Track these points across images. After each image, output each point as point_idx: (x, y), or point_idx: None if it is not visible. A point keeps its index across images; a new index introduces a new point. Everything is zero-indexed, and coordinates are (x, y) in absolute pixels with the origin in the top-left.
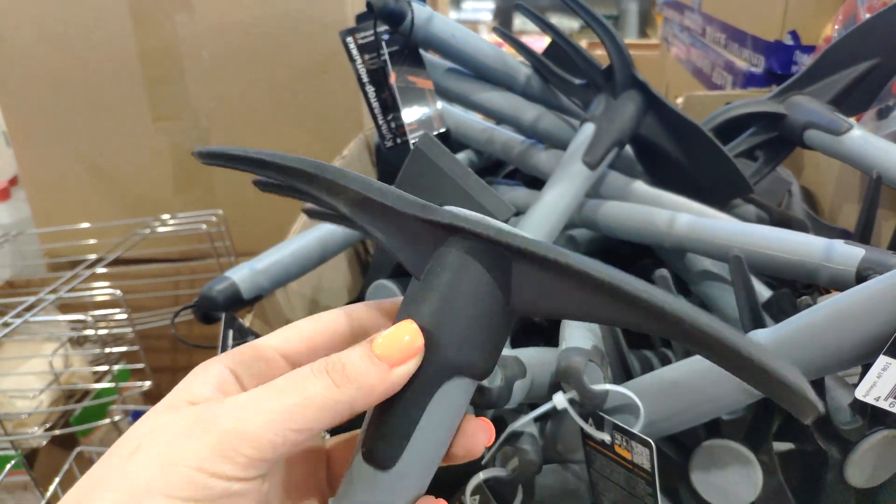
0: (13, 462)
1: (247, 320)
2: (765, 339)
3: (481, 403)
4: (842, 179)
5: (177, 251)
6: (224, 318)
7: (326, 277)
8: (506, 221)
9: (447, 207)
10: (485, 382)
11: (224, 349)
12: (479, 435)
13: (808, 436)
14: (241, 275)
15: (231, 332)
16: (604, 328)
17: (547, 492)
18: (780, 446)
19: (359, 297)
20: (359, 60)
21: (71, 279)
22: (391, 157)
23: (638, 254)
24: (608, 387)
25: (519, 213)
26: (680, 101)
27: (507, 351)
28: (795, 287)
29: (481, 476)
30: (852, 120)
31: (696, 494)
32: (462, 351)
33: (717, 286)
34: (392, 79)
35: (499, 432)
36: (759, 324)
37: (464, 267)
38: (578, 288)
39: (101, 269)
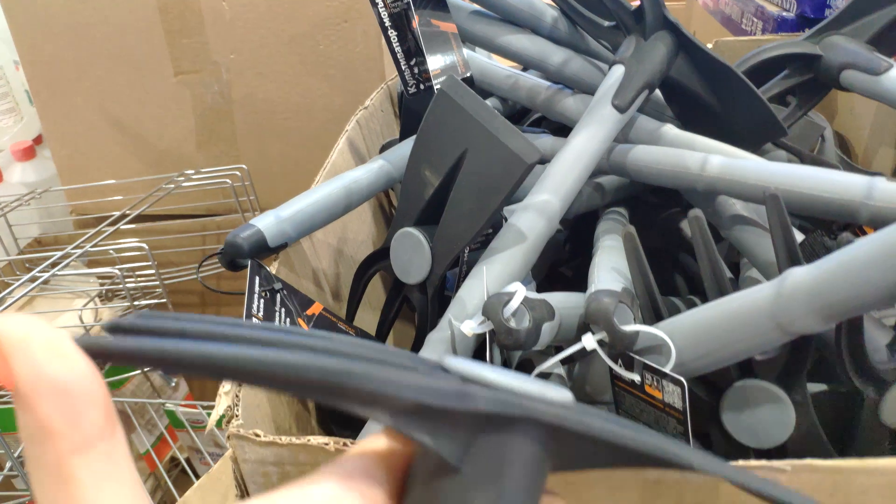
0: None
1: (272, 268)
2: (803, 277)
3: (510, 345)
4: (877, 124)
5: (202, 207)
6: (250, 265)
7: (351, 228)
8: (533, 164)
9: (481, 378)
10: (512, 323)
11: (251, 296)
12: None
13: (843, 377)
14: (266, 222)
15: (257, 280)
16: (634, 272)
17: None
18: (814, 387)
19: (383, 248)
20: (381, 4)
21: (97, 234)
22: (414, 105)
23: (665, 203)
24: (638, 327)
25: (544, 161)
26: (710, 46)
27: (534, 294)
28: (831, 230)
29: None
30: (892, 60)
31: (726, 435)
32: None
33: (750, 230)
34: (415, 23)
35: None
36: (796, 262)
37: (525, 455)
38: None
39: (127, 226)
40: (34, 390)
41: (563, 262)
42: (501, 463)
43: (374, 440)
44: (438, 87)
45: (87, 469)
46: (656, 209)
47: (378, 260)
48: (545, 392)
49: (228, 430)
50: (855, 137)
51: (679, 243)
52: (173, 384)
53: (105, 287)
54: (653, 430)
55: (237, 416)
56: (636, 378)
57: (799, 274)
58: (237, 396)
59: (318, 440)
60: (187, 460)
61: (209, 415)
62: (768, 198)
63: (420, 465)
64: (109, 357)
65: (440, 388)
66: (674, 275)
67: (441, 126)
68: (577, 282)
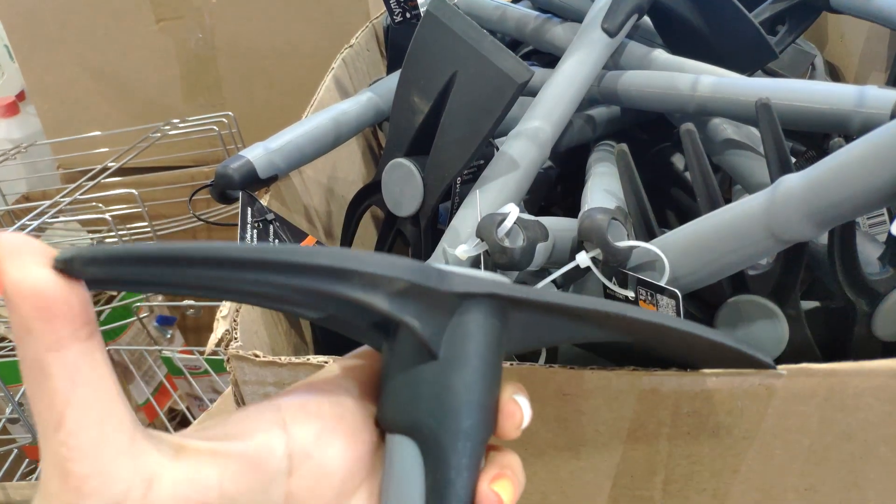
0: None
1: (264, 201)
2: (796, 182)
3: (504, 264)
4: (867, 50)
5: (189, 157)
6: (242, 196)
7: (341, 167)
8: (524, 84)
9: (452, 270)
10: (506, 243)
11: (244, 226)
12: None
13: (836, 290)
14: (256, 153)
15: (249, 211)
16: (627, 190)
17: (569, 353)
18: (806, 305)
19: (375, 181)
20: None
21: (82, 186)
22: (400, 37)
23: (656, 138)
24: (632, 243)
25: (534, 94)
26: None
27: (528, 216)
28: (823, 150)
29: None
30: None
31: None
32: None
33: (742, 154)
34: None
35: None
36: (788, 171)
37: (488, 334)
38: (569, 321)
39: (114, 178)
40: (18, 292)
41: (555, 201)
42: (470, 342)
43: (345, 360)
44: (425, 9)
45: (61, 365)
46: (647, 144)
47: (370, 194)
48: (498, 278)
49: (228, 351)
50: (845, 65)
51: (670, 178)
52: (168, 335)
53: (95, 239)
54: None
55: (236, 338)
56: (630, 294)
57: (791, 180)
58: (235, 321)
59: (318, 358)
60: (187, 409)
61: (206, 360)
62: (760, 107)
63: (395, 362)
64: (94, 261)
65: (426, 270)
66: (665, 210)
67: (429, 49)
68: (570, 208)
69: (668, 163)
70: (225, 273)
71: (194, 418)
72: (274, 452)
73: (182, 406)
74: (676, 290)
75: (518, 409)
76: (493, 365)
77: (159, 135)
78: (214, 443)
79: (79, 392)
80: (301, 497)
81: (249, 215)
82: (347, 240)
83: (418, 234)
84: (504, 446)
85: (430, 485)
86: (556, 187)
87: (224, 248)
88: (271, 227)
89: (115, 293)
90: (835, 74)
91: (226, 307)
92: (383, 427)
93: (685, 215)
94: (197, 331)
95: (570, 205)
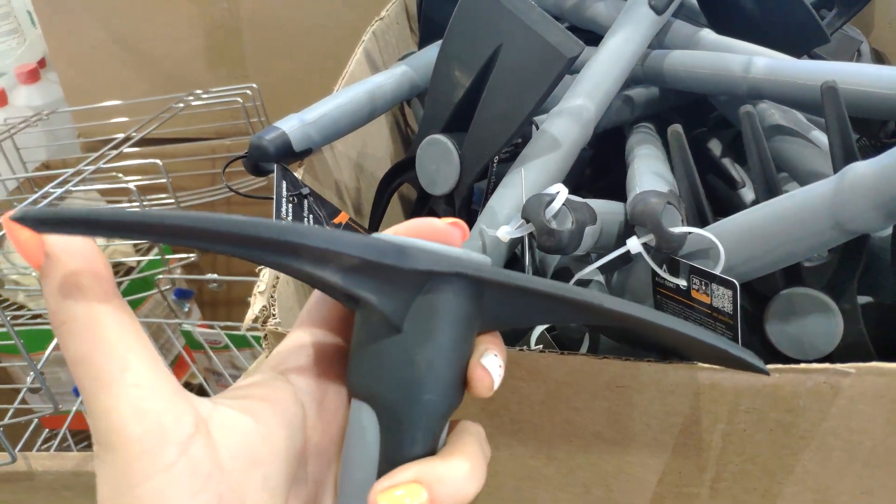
0: None
1: (297, 174)
2: (865, 170)
3: (551, 247)
4: None
5: (210, 129)
6: (276, 169)
7: (370, 144)
8: (574, 58)
9: (415, 246)
10: (554, 224)
11: (279, 200)
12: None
13: (888, 287)
14: (291, 125)
15: (284, 184)
16: (679, 174)
17: (612, 343)
18: (860, 300)
19: (409, 157)
20: None
21: (106, 155)
22: (434, 9)
23: (691, 122)
24: (687, 229)
25: (574, 72)
26: None
27: (577, 198)
28: (878, 137)
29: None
30: None
31: (769, 347)
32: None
33: (790, 140)
34: None
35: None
36: (852, 158)
37: (456, 312)
38: (544, 303)
39: (134, 149)
40: (67, 250)
41: (583, 184)
42: (436, 319)
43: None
44: None
45: (114, 315)
46: (683, 129)
47: (402, 171)
48: (470, 255)
49: (266, 328)
50: (892, 52)
51: (706, 164)
52: (186, 309)
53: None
54: (563, 285)
55: (274, 314)
56: (682, 283)
57: (861, 168)
58: (272, 297)
59: None
60: (205, 382)
61: (227, 335)
62: (826, 90)
63: (361, 330)
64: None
65: (381, 246)
66: None
67: (472, 21)
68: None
69: (705, 148)
70: (178, 241)
71: (211, 393)
72: (290, 401)
73: (200, 380)
74: (734, 280)
75: (486, 374)
76: (459, 341)
77: (182, 105)
78: (241, 400)
79: (133, 338)
80: (316, 439)
81: (284, 189)
82: (378, 217)
83: (452, 213)
84: (467, 419)
85: (384, 453)
86: (585, 170)
87: (173, 217)
88: (306, 202)
89: (134, 265)
90: (881, 61)
91: (263, 282)
92: (348, 390)
93: (721, 202)
94: (213, 305)
95: (599, 188)
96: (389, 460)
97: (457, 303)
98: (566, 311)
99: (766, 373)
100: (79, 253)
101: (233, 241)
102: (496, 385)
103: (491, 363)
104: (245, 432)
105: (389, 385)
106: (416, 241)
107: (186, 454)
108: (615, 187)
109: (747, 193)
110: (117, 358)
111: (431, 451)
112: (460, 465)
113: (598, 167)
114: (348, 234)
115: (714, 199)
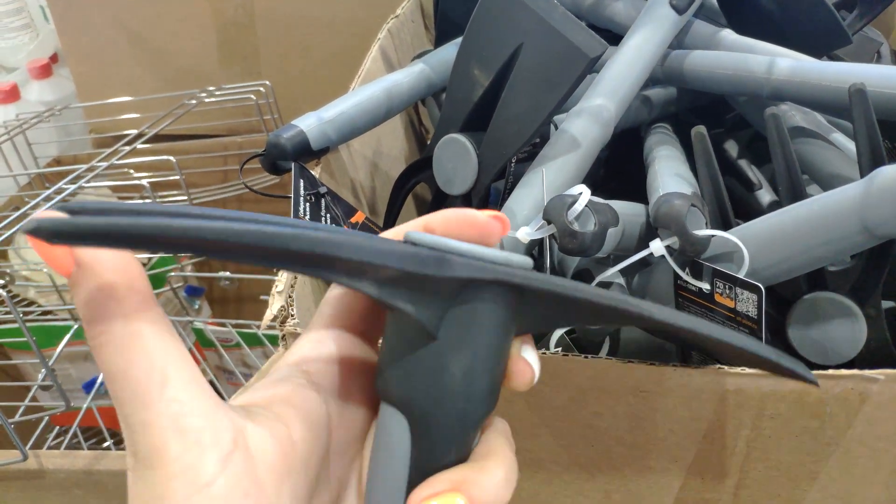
0: (73, 332)
1: (315, 173)
2: (895, 174)
3: (573, 249)
4: None
5: (223, 126)
6: (294, 167)
7: (385, 143)
8: (597, 58)
9: (454, 250)
10: (576, 226)
11: (297, 199)
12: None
13: None
14: (309, 123)
15: (302, 183)
16: (703, 176)
17: (632, 346)
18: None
19: (426, 157)
20: None
21: (119, 151)
22: (451, 7)
23: (708, 123)
24: (712, 232)
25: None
26: None
27: (599, 199)
28: None
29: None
30: None
31: (791, 352)
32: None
33: (812, 142)
34: None
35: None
36: (880, 161)
37: (493, 319)
38: (584, 308)
39: (146, 145)
40: (100, 261)
41: (596, 185)
42: (474, 326)
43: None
44: None
45: (152, 326)
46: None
47: (419, 170)
48: (510, 258)
49: (285, 328)
50: None
51: (722, 165)
52: (196, 306)
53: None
54: (611, 292)
55: (293, 315)
56: (706, 287)
57: (890, 171)
58: (290, 297)
59: None
60: (215, 380)
61: (239, 333)
62: (854, 93)
63: (394, 334)
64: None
65: (421, 255)
66: None
67: (493, 18)
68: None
69: (721, 149)
70: (201, 253)
71: (219, 392)
72: (316, 402)
73: (211, 377)
74: (759, 284)
75: (528, 367)
76: (497, 348)
77: (195, 102)
78: (271, 408)
79: (172, 350)
80: (338, 438)
81: (302, 188)
82: (393, 217)
83: None
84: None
85: (415, 461)
86: (599, 170)
87: (200, 229)
88: (323, 200)
89: (145, 262)
90: None
91: (281, 282)
92: (378, 393)
93: (736, 204)
94: (223, 302)
95: (611, 188)
96: (421, 467)
97: (496, 309)
98: (608, 317)
99: (816, 383)
100: (112, 262)
101: (263, 255)
102: (536, 378)
103: (532, 357)
104: (279, 442)
105: (424, 393)
106: (453, 243)
107: (225, 472)
108: (629, 188)
109: (763, 195)
110: (156, 372)
111: (465, 457)
112: (496, 471)
113: (612, 168)
114: (383, 243)
115: (733, 201)
